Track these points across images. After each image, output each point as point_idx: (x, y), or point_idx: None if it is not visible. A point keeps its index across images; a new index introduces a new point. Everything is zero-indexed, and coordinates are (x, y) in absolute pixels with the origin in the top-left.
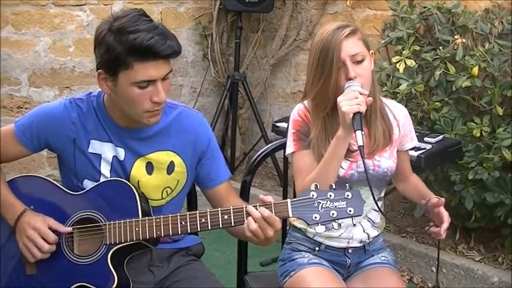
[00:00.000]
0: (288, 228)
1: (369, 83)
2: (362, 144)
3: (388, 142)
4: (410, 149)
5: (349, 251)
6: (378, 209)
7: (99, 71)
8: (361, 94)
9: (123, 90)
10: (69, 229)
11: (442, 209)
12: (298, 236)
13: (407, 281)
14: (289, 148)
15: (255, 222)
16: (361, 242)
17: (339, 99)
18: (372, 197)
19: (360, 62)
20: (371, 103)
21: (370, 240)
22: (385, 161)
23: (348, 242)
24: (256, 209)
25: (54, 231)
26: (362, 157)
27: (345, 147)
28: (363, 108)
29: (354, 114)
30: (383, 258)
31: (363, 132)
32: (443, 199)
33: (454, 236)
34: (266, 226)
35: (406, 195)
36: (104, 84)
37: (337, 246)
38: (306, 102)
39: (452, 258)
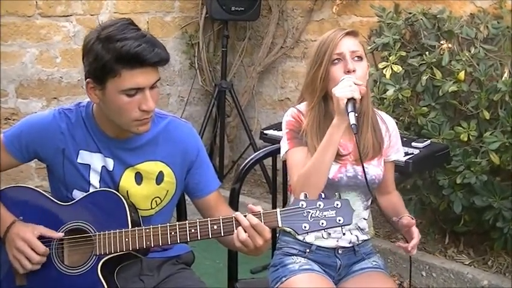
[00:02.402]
0: (278, 234)
1: (363, 83)
2: (355, 123)
3: (378, 153)
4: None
5: (339, 251)
6: (365, 218)
7: (88, 80)
8: (355, 84)
9: (112, 98)
10: (61, 234)
11: (413, 228)
12: (288, 239)
13: (397, 286)
14: (284, 148)
15: (245, 231)
16: (350, 242)
17: (333, 89)
18: (360, 202)
19: (359, 60)
20: (364, 112)
21: (360, 242)
22: (373, 169)
23: (337, 241)
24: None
25: (47, 239)
26: (355, 134)
27: (340, 135)
28: (356, 95)
29: (348, 99)
30: (374, 263)
31: (356, 114)
32: (413, 221)
33: (443, 240)
34: (255, 234)
35: (383, 210)
36: (92, 93)
37: (327, 246)
38: (298, 106)
39: (442, 262)
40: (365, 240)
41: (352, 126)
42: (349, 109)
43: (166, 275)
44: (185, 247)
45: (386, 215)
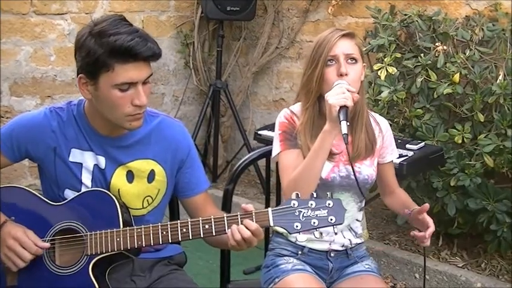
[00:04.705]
0: (270, 235)
1: (356, 86)
2: (346, 132)
3: (370, 153)
4: (396, 158)
5: (331, 254)
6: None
7: (80, 75)
8: (348, 91)
9: (104, 93)
10: (47, 245)
11: (426, 215)
12: (280, 241)
13: None
14: (276, 149)
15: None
16: (343, 246)
17: (326, 94)
18: (353, 203)
19: (353, 63)
20: (358, 112)
21: (353, 245)
22: (366, 169)
23: (330, 245)
24: (237, 218)
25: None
26: (346, 144)
27: (331, 141)
28: (349, 102)
29: (340, 107)
30: (367, 266)
31: (348, 123)
32: (427, 205)
33: (437, 243)
34: (251, 237)
35: (392, 208)
36: (84, 89)
37: (320, 249)
38: (291, 106)
39: (436, 265)
40: (358, 243)
41: (344, 136)
42: (341, 117)
43: (158, 276)
44: (177, 248)
45: (398, 213)
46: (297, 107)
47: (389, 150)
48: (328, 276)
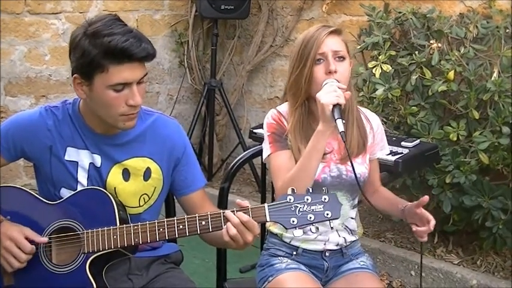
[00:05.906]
0: (266, 234)
1: (346, 84)
2: (344, 130)
3: (362, 151)
4: (387, 154)
5: (326, 254)
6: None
7: (75, 75)
8: (339, 88)
9: (99, 94)
10: (45, 239)
11: (425, 211)
12: (275, 241)
13: (386, 285)
14: (266, 151)
15: (234, 227)
16: (337, 245)
17: (317, 94)
18: (346, 201)
19: (341, 60)
20: (348, 108)
21: (347, 244)
22: (358, 167)
23: (325, 244)
24: (234, 214)
25: (31, 242)
26: (344, 141)
27: (325, 142)
28: (341, 100)
29: (334, 106)
30: (362, 263)
31: (343, 121)
32: (426, 197)
33: (432, 240)
34: (245, 231)
35: (377, 207)
36: (79, 89)
37: (314, 249)
38: (278, 107)
39: (431, 262)
40: (353, 241)
41: (341, 133)
42: (336, 116)
43: (155, 275)
44: (174, 246)
45: (385, 211)
46: (284, 107)
47: (379, 146)
48: (323, 275)
